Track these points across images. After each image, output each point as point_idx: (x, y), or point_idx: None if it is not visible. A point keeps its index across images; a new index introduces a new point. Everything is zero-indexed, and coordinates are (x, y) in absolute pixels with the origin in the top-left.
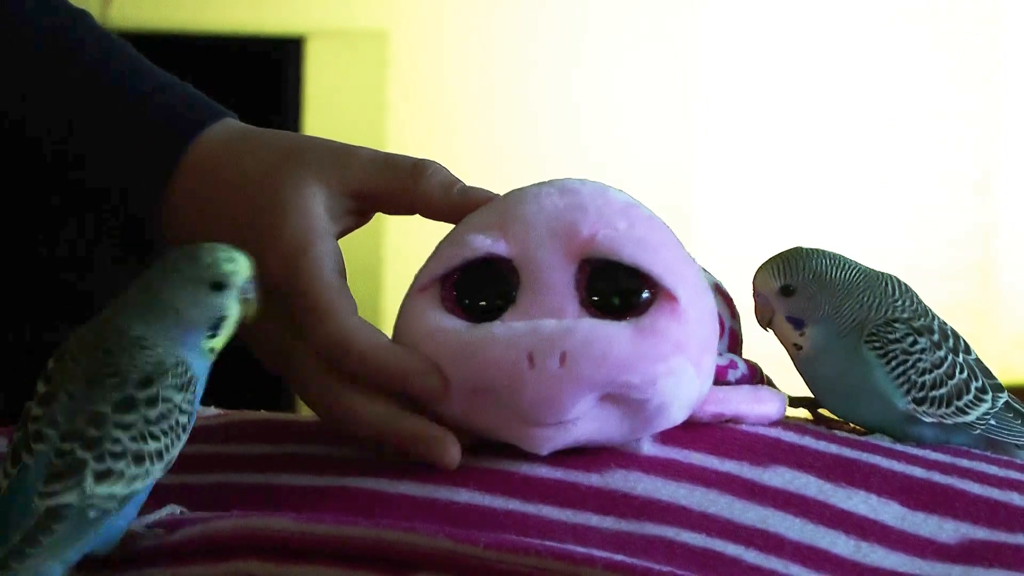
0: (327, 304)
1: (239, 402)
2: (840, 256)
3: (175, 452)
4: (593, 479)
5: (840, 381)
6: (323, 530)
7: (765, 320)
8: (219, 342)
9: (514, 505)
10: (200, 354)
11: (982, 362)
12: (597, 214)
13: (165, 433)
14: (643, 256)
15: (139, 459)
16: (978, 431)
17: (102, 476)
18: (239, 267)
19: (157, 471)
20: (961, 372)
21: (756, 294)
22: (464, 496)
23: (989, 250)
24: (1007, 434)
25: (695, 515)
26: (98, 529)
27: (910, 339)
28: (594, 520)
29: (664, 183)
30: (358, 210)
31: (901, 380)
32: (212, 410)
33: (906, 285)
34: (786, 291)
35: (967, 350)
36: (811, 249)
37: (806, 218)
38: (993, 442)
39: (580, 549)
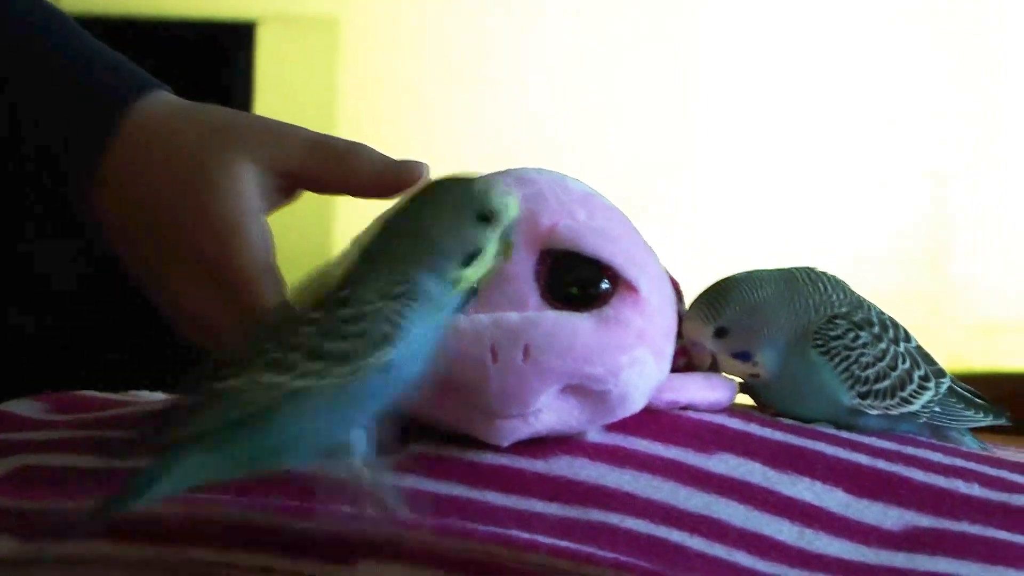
0: (254, 283)
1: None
2: (758, 273)
3: (362, 361)
4: (538, 465)
5: (791, 386)
6: (267, 517)
7: (707, 366)
8: (471, 274)
9: (459, 491)
10: (446, 284)
11: (923, 349)
12: (557, 203)
13: (345, 337)
14: (604, 247)
15: (314, 354)
16: (923, 419)
17: (271, 365)
18: (509, 206)
19: (331, 373)
20: (903, 362)
21: (691, 343)
22: (410, 481)
23: (942, 239)
24: (952, 420)
25: (640, 501)
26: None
27: (851, 334)
28: (539, 506)
29: (619, 168)
30: (288, 188)
31: (845, 376)
32: (157, 395)
33: (836, 278)
34: (720, 333)
35: (907, 338)
36: (727, 280)
37: (760, 209)
38: (938, 428)
39: (524, 535)
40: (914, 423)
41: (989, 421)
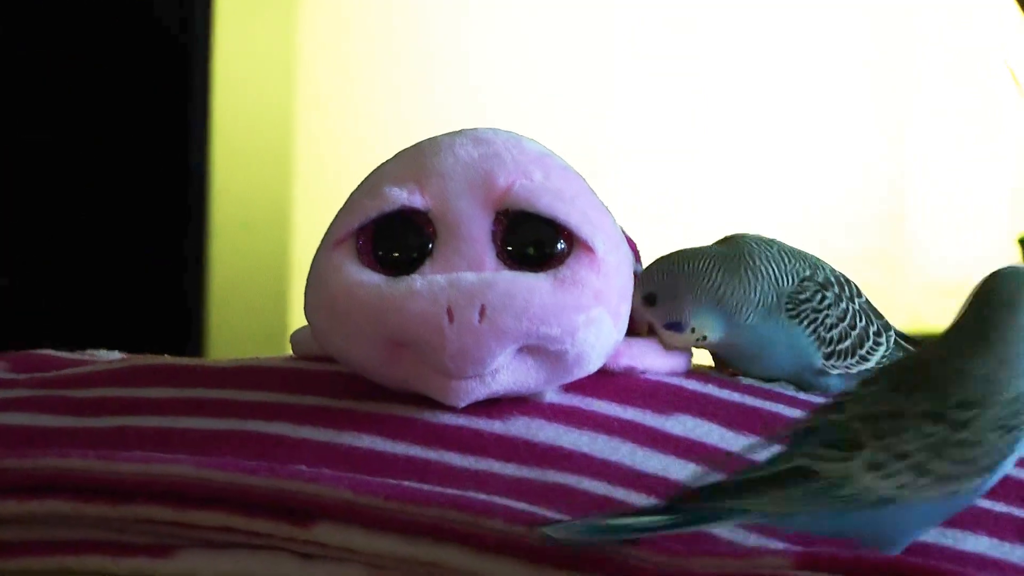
0: None
1: (147, 347)
2: (701, 248)
3: (962, 485)
4: (495, 426)
5: (758, 353)
6: (224, 477)
7: (645, 331)
8: None
9: (416, 451)
10: None
11: (871, 303)
12: (513, 163)
13: (954, 460)
14: (559, 207)
15: (919, 470)
16: None
17: (873, 467)
18: None
19: (929, 490)
20: (860, 319)
21: (633, 313)
22: (366, 442)
23: (899, 199)
24: None
25: (597, 462)
26: (840, 510)
27: (818, 296)
28: (496, 467)
29: (578, 140)
30: None
31: (814, 338)
32: (116, 354)
33: (784, 244)
34: (648, 300)
35: (859, 293)
36: (670, 253)
37: (716, 171)
38: None
39: (481, 497)
40: None
41: None
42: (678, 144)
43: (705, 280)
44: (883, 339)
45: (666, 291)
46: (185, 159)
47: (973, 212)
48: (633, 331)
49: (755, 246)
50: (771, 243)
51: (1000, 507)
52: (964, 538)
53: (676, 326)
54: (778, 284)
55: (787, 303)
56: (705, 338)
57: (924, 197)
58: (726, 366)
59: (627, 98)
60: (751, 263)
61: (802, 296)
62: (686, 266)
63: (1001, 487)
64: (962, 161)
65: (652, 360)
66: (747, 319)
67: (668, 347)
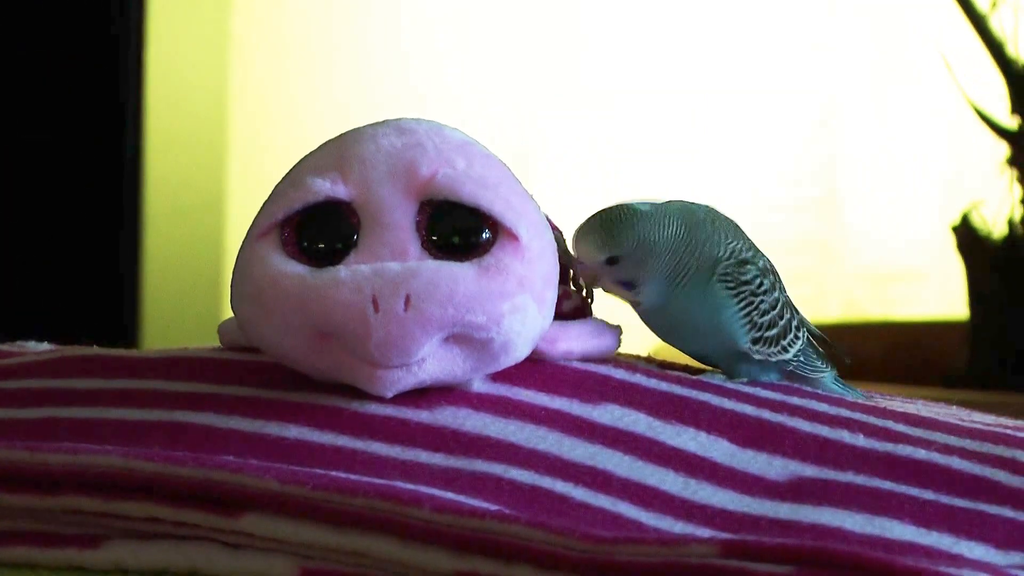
0: None
1: (78, 338)
2: (662, 209)
3: None
4: (423, 415)
5: (684, 321)
6: (151, 468)
7: (590, 284)
8: None
9: (343, 441)
10: None
11: (790, 298)
12: (436, 152)
13: None
14: (483, 195)
15: None
16: (791, 367)
17: None
18: None
19: None
20: (786, 312)
21: (579, 263)
22: (293, 432)
23: (833, 186)
24: (810, 369)
25: (524, 452)
26: None
27: (757, 281)
28: (423, 456)
29: (506, 120)
30: None
31: (745, 321)
32: (45, 345)
33: (733, 222)
34: (612, 261)
35: (783, 287)
36: (630, 210)
37: (652, 151)
38: (794, 376)
39: (409, 486)
40: (781, 371)
41: (832, 373)
42: (610, 126)
43: (668, 253)
44: (800, 334)
45: (632, 257)
46: (119, 146)
47: (907, 199)
48: (561, 313)
49: (702, 215)
50: (713, 213)
51: (928, 495)
52: (891, 526)
53: (628, 285)
54: (715, 255)
55: (727, 279)
56: (639, 303)
57: (858, 183)
58: (653, 359)
59: (557, 85)
60: (699, 234)
61: (743, 278)
62: (653, 235)
63: (924, 474)
64: (896, 147)
65: (587, 343)
66: (683, 287)
67: (609, 293)
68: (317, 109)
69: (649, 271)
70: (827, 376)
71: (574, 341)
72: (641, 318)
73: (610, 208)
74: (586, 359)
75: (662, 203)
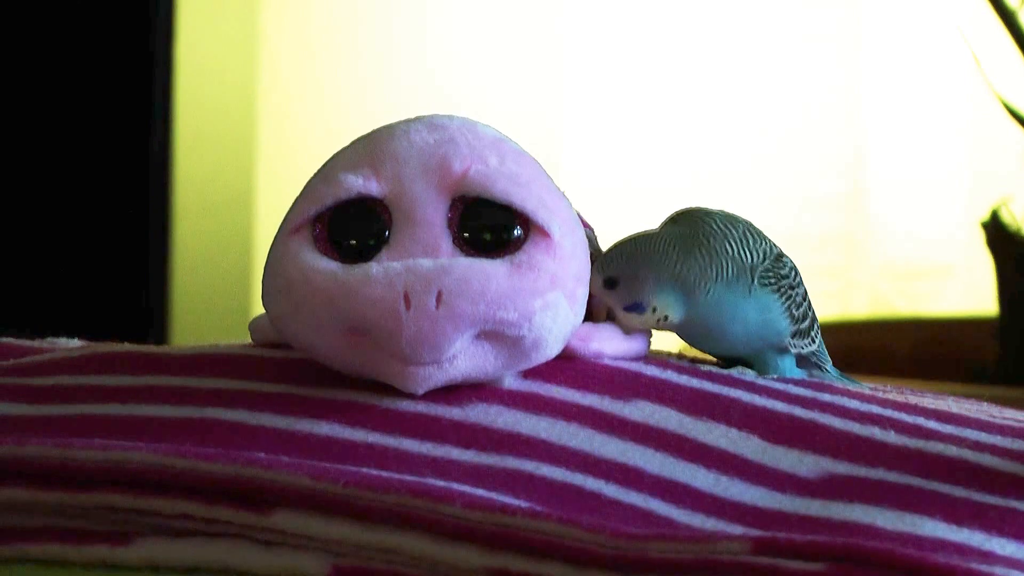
0: None
1: (108, 335)
2: (663, 224)
3: None
4: (454, 412)
5: (720, 327)
6: (182, 464)
7: (604, 316)
8: None
9: (375, 438)
10: None
11: None
12: (468, 148)
13: None
14: (515, 192)
15: None
16: (814, 359)
17: None
18: None
19: None
20: (809, 300)
21: (592, 300)
22: (325, 428)
23: (859, 180)
24: (823, 357)
25: (555, 448)
26: None
27: (792, 273)
28: (455, 453)
29: (535, 122)
30: None
31: (787, 315)
32: (75, 342)
33: (747, 221)
34: (609, 283)
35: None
36: (628, 237)
37: (676, 149)
38: (807, 362)
39: (440, 483)
40: (804, 363)
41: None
42: (636, 125)
43: (663, 258)
44: (817, 325)
45: (625, 273)
46: (147, 143)
47: (934, 194)
48: (590, 318)
49: (717, 222)
50: (732, 218)
51: (959, 491)
52: (922, 523)
53: (636, 307)
54: (747, 259)
55: (768, 276)
56: (667, 318)
57: (884, 178)
58: (685, 354)
59: (585, 81)
60: (706, 240)
61: (782, 271)
62: (644, 247)
63: (955, 471)
64: (922, 141)
65: (618, 344)
66: (708, 294)
67: (628, 330)
68: (345, 106)
69: (649, 286)
70: (829, 364)
71: (606, 342)
72: (675, 333)
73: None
74: (618, 359)
75: (675, 214)
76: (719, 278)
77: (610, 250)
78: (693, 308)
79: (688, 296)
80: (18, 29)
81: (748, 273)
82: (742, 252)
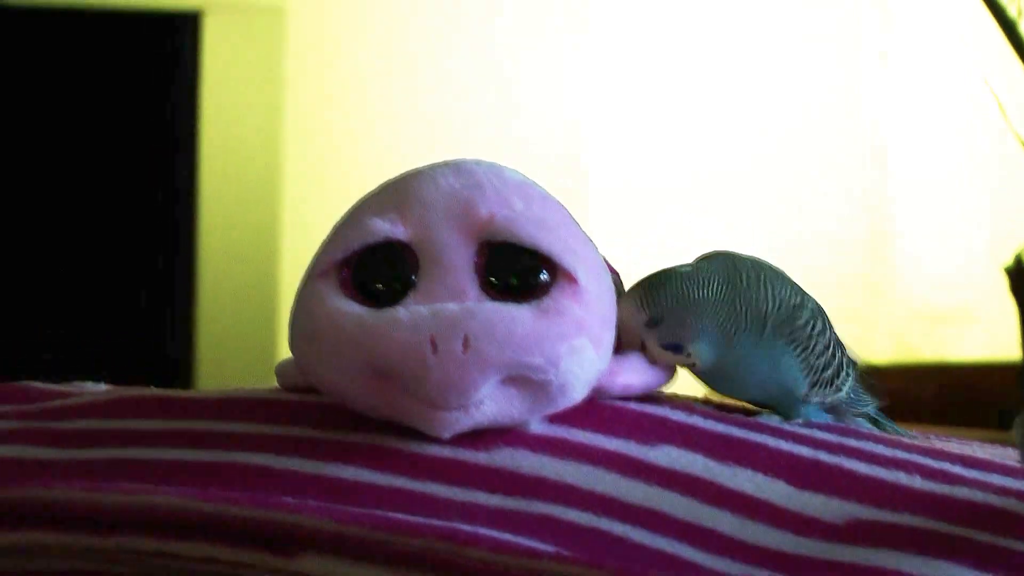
0: None
1: (134, 379)
2: (704, 269)
3: None
4: (480, 457)
5: (741, 374)
6: (208, 508)
7: (638, 345)
8: None
9: (401, 482)
10: None
11: (837, 334)
12: (494, 193)
13: None
14: (541, 236)
15: None
16: (843, 406)
17: None
18: None
19: None
20: (836, 350)
21: (623, 328)
22: (351, 473)
23: (885, 223)
24: (858, 403)
25: (582, 493)
26: None
27: (810, 324)
28: (481, 498)
29: (557, 159)
30: None
31: (803, 366)
32: (101, 386)
33: (777, 268)
34: (652, 323)
35: (831, 325)
36: (669, 272)
37: (703, 192)
38: (837, 410)
39: (466, 527)
40: (833, 409)
41: (874, 407)
42: (662, 169)
43: (711, 311)
44: (850, 369)
45: (673, 317)
46: (173, 190)
47: (956, 238)
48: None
49: (747, 269)
50: (759, 264)
51: (984, 537)
52: (948, 568)
53: (675, 348)
54: (767, 309)
55: (783, 328)
56: (696, 364)
57: (908, 223)
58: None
59: (609, 125)
60: (745, 288)
61: (798, 322)
62: (691, 291)
63: (980, 516)
64: (945, 186)
65: (645, 374)
66: (736, 342)
67: (656, 362)
68: (369, 152)
69: (693, 331)
70: (870, 407)
71: (632, 374)
72: (694, 375)
73: (653, 273)
74: (645, 392)
75: (704, 260)
76: (749, 328)
77: (652, 287)
78: (723, 355)
79: (722, 345)
80: (45, 78)
81: (764, 322)
82: (764, 300)
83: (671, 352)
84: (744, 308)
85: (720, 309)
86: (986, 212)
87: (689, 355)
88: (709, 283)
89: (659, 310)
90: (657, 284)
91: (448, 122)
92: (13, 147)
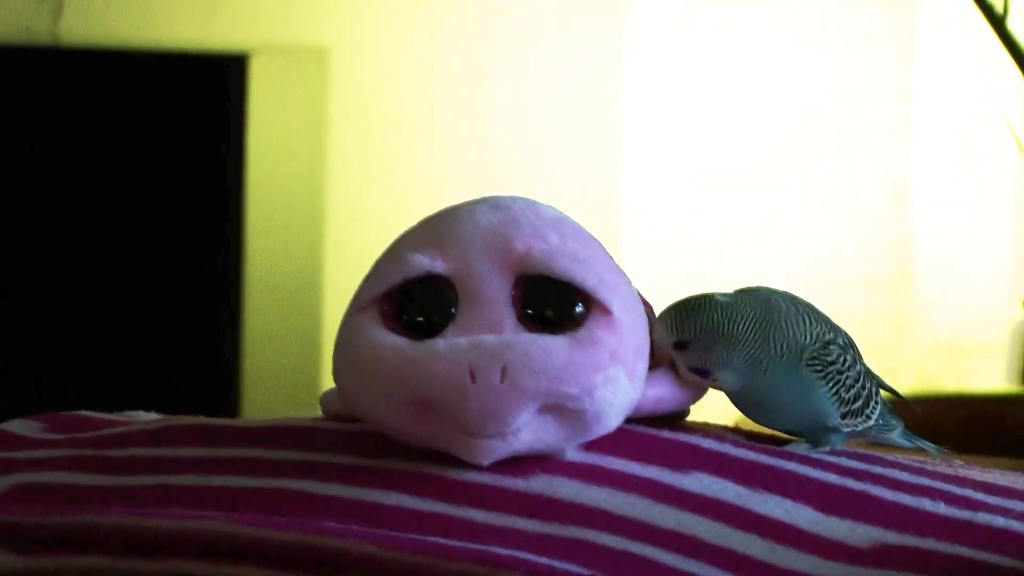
0: None
1: (183, 409)
2: (741, 299)
3: None
4: (518, 483)
5: (773, 403)
6: (254, 533)
7: (667, 363)
8: None
9: (441, 508)
10: None
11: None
12: (530, 228)
13: None
14: (576, 270)
15: None
16: (872, 432)
17: None
18: None
19: None
20: (866, 380)
21: (656, 344)
22: (392, 499)
23: (907, 260)
24: (886, 428)
25: (615, 518)
26: None
27: (842, 359)
28: (519, 523)
29: (591, 194)
30: None
31: (834, 399)
32: (152, 415)
33: (811, 305)
34: (680, 346)
35: (861, 356)
36: (706, 299)
37: (734, 230)
38: (866, 435)
39: (504, 551)
40: (864, 435)
41: (901, 426)
42: (694, 206)
43: (740, 343)
44: (878, 398)
45: (700, 343)
46: (222, 222)
47: (978, 274)
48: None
49: (782, 305)
50: (794, 300)
51: (1007, 562)
52: None
53: (702, 372)
54: (800, 342)
55: (815, 363)
56: (720, 388)
57: (931, 260)
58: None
59: (642, 160)
60: (780, 323)
61: (829, 358)
62: (722, 323)
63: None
64: (966, 224)
65: (675, 387)
66: (767, 372)
67: (684, 382)
68: (409, 185)
69: (719, 359)
70: (898, 430)
71: (662, 387)
72: (728, 398)
73: (691, 296)
74: (678, 407)
75: (743, 293)
76: (782, 359)
77: (685, 311)
78: (752, 382)
79: (750, 372)
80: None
81: (798, 355)
82: (797, 334)
83: (696, 374)
84: (778, 342)
85: (750, 342)
86: (1005, 248)
87: (715, 380)
88: (743, 316)
89: (687, 335)
90: (690, 309)
91: (485, 158)
92: (69, 182)
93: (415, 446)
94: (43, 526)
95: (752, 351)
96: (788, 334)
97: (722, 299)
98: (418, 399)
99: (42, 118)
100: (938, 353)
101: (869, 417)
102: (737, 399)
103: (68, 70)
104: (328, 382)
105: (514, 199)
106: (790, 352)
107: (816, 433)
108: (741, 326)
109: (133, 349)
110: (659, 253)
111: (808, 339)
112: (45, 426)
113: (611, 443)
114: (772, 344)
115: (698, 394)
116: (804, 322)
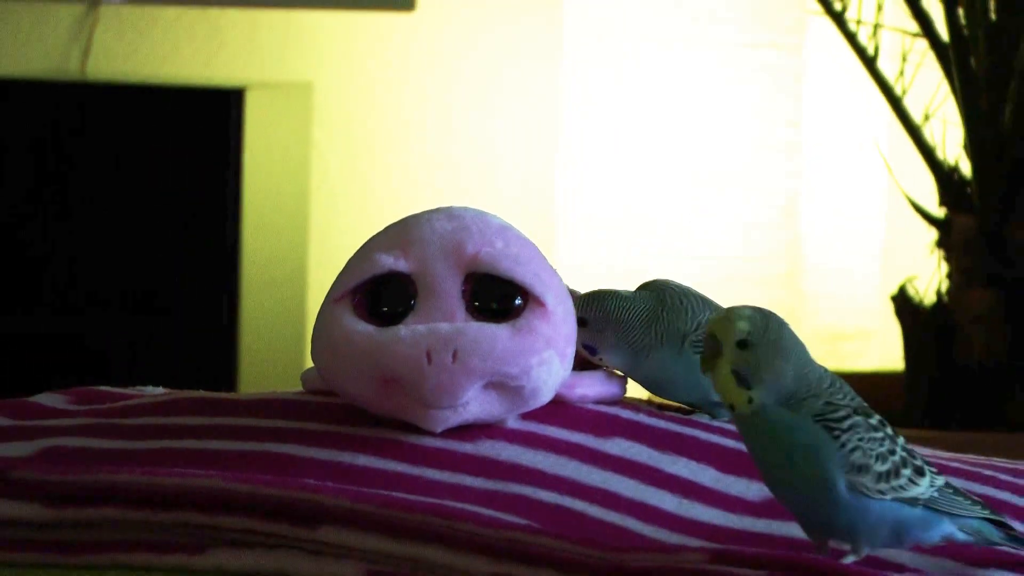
0: None
1: (187, 384)
2: (639, 296)
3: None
4: (467, 447)
5: (668, 379)
6: (246, 489)
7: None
8: None
9: (403, 468)
10: None
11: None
12: (479, 234)
13: None
14: (517, 270)
15: None
16: None
17: None
18: None
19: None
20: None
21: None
22: (362, 460)
23: (796, 260)
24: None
25: (549, 477)
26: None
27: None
28: (468, 480)
29: (531, 205)
30: None
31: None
32: (160, 390)
33: (698, 294)
34: (580, 323)
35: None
36: (609, 292)
37: (650, 234)
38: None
39: (456, 505)
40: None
41: None
42: (616, 209)
43: (627, 330)
44: None
45: (595, 324)
46: (222, 234)
47: (855, 273)
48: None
49: (671, 299)
50: (685, 293)
51: None
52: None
53: (590, 349)
54: (681, 330)
55: (697, 346)
56: (605, 365)
57: (816, 261)
58: (655, 402)
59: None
60: (663, 315)
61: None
62: (617, 312)
63: None
64: (846, 231)
65: (598, 388)
66: (648, 357)
67: (612, 377)
68: (380, 204)
69: (607, 341)
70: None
71: (587, 388)
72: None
73: (602, 288)
74: (599, 402)
75: (645, 287)
76: (662, 345)
77: (591, 298)
78: (638, 366)
79: (632, 357)
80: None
81: (680, 341)
82: (679, 324)
83: (587, 351)
84: (659, 332)
85: (636, 329)
86: (877, 251)
87: (601, 359)
88: (635, 308)
89: (586, 314)
90: (596, 297)
91: (447, 179)
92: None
93: (381, 416)
94: (66, 483)
95: (637, 338)
96: (669, 325)
97: (624, 293)
98: (383, 376)
99: (69, 147)
100: (822, 339)
101: None
102: (634, 375)
103: (86, 103)
104: (309, 362)
105: (466, 209)
106: (671, 340)
107: (710, 406)
108: (630, 315)
109: (149, 331)
110: (589, 251)
111: (690, 327)
112: (69, 399)
113: (545, 414)
114: (654, 334)
115: (619, 393)
116: (687, 312)
